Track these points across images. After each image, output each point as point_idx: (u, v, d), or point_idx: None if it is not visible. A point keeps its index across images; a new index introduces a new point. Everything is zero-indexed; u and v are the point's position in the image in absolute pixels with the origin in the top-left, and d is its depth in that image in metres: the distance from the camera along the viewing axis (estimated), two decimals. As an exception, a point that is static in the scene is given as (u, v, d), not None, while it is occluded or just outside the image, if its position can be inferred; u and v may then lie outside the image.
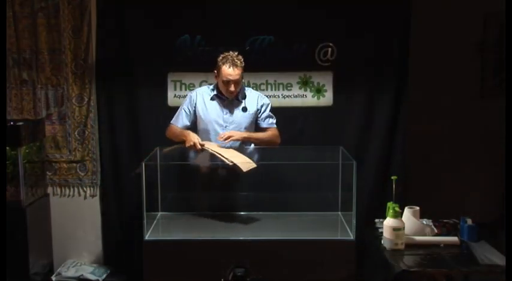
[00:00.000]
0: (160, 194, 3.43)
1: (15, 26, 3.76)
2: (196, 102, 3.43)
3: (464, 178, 4.14)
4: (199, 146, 3.19)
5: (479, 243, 2.86)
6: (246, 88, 3.50)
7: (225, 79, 3.27)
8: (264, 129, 3.45)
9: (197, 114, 3.43)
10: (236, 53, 3.30)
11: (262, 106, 3.45)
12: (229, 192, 3.49)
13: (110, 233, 3.97)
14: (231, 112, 3.40)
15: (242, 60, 3.30)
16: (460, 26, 3.94)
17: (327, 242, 3.05)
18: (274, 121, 3.47)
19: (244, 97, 3.41)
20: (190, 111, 3.43)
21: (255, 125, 3.47)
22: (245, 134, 3.35)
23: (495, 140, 3.96)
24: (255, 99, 3.44)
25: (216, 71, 3.32)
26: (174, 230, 3.24)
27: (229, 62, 3.24)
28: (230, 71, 3.24)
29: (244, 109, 3.39)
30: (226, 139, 3.23)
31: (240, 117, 3.39)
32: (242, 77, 3.33)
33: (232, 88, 3.29)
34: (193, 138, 3.22)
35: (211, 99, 3.42)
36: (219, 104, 3.41)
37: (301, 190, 3.52)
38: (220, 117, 3.40)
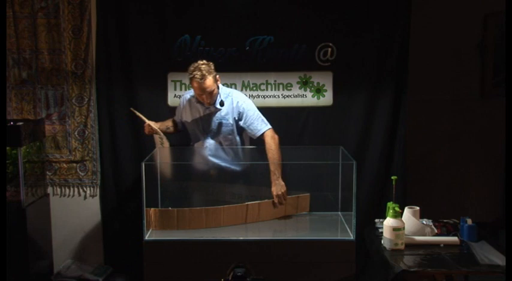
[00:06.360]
0: (160, 194, 3.43)
1: (15, 26, 3.76)
2: (182, 110, 3.50)
3: (464, 178, 4.14)
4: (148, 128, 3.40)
5: (479, 243, 2.86)
6: (227, 91, 3.44)
7: (197, 92, 3.28)
8: (260, 138, 3.38)
9: (183, 119, 3.52)
10: (205, 62, 3.25)
11: (241, 114, 3.38)
12: (229, 192, 3.49)
13: (110, 233, 3.96)
14: (209, 120, 3.39)
15: (212, 68, 3.24)
16: (460, 26, 3.94)
17: (327, 242, 3.06)
18: (264, 125, 3.37)
19: (222, 104, 3.37)
20: (178, 118, 3.56)
21: (240, 132, 3.45)
22: (277, 181, 3.27)
23: (495, 140, 3.97)
24: (231, 107, 3.37)
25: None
26: (174, 230, 3.24)
27: (199, 77, 3.18)
28: (200, 85, 3.21)
29: (220, 124, 3.37)
30: (279, 197, 3.27)
31: (217, 126, 3.39)
32: (217, 82, 3.30)
33: (207, 99, 3.29)
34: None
35: (194, 106, 3.43)
36: (199, 111, 3.41)
37: (301, 190, 3.51)
38: (199, 124, 3.43)
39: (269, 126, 3.38)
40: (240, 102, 3.38)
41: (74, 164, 3.93)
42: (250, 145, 3.51)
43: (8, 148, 3.42)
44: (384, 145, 3.82)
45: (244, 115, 3.37)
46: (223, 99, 3.37)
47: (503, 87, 3.81)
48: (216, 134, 3.41)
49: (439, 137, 4.11)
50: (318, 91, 3.82)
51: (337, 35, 3.74)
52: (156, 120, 3.74)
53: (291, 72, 3.81)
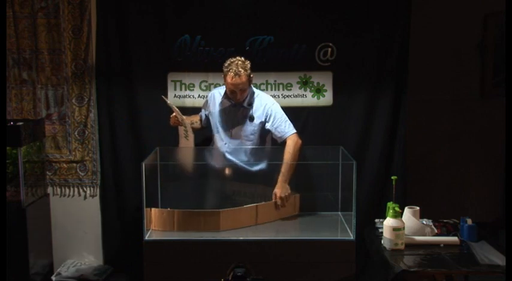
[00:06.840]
0: (160, 194, 3.43)
1: (15, 26, 3.76)
2: (209, 104, 3.48)
3: (464, 178, 4.14)
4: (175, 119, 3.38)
5: (479, 243, 2.86)
6: (256, 92, 3.44)
7: (230, 87, 3.27)
8: (284, 141, 3.37)
9: (209, 115, 3.50)
10: (242, 60, 3.26)
11: (268, 117, 3.37)
12: (229, 192, 3.49)
13: (110, 233, 3.96)
14: (234, 118, 3.39)
15: (248, 66, 3.25)
16: (460, 26, 3.94)
17: (327, 242, 3.06)
18: (291, 129, 3.36)
19: (251, 103, 3.37)
20: (203, 114, 3.55)
21: (265, 135, 3.44)
22: (283, 183, 3.29)
23: (495, 140, 3.97)
24: (261, 109, 3.38)
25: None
26: (174, 230, 3.24)
27: (233, 72, 3.19)
28: (234, 80, 3.21)
29: (251, 118, 3.37)
30: (282, 200, 3.28)
31: (244, 125, 3.38)
32: (250, 82, 3.31)
33: (238, 96, 3.29)
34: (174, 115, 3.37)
35: (221, 102, 3.42)
36: (227, 109, 3.40)
37: (301, 189, 3.51)
38: (224, 120, 3.41)
39: (294, 130, 3.38)
40: (268, 105, 3.39)
41: (74, 164, 3.93)
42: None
43: (8, 148, 3.41)
44: (384, 145, 3.81)
45: (271, 118, 3.37)
46: (253, 100, 3.38)
47: (503, 87, 3.81)
48: (238, 132, 3.40)
49: (439, 137, 4.11)
50: (318, 91, 3.82)
51: (337, 35, 3.74)
52: (155, 120, 3.76)
53: (291, 72, 3.81)
